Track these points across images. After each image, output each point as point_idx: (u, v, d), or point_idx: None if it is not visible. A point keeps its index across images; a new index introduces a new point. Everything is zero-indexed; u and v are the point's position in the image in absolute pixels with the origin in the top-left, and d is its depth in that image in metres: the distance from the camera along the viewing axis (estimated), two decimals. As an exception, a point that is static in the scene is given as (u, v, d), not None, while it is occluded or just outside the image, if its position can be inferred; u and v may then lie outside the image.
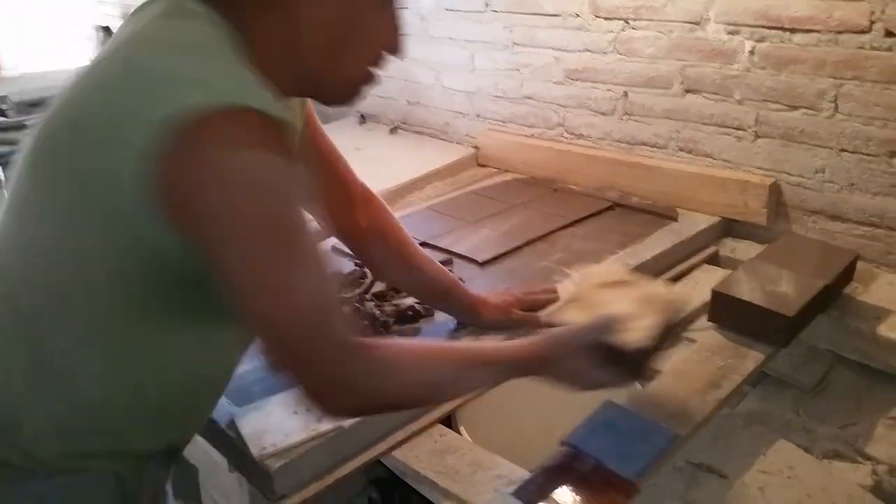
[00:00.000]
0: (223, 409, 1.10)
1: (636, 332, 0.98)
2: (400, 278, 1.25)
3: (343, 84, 0.82)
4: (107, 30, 3.41)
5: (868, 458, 1.11)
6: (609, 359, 0.93)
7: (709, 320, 1.27)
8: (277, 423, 1.05)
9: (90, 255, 0.71)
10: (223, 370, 0.91)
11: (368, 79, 0.83)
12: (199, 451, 1.21)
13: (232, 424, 1.06)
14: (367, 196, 1.18)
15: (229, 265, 0.68)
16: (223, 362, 0.90)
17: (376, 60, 0.81)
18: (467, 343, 0.92)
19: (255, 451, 1.00)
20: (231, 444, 1.07)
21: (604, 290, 1.12)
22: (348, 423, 1.07)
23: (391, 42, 0.81)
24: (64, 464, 0.79)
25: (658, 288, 1.11)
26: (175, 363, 0.81)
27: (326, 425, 1.04)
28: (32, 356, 0.76)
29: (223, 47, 0.70)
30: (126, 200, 0.66)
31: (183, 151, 0.64)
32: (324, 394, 0.74)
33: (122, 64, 0.71)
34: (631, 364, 0.96)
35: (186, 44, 0.70)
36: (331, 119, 2.85)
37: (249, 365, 1.23)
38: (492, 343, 1.14)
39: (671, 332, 1.03)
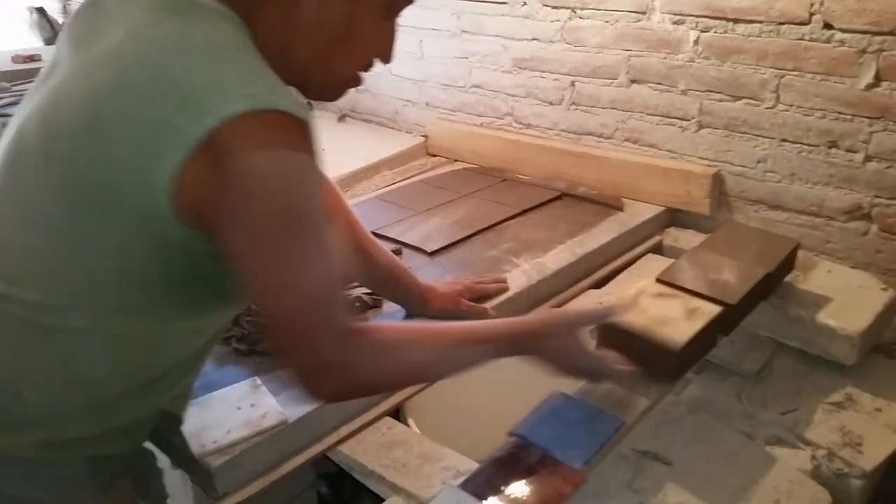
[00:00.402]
0: (163, 406, 1.06)
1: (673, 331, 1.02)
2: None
3: (331, 83, 0.84)
4: (41, 11, 3.28)
5: (808, 443, 1.14)
6: (611, 344, 0.93)
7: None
8: (219, 419, 1.02)
9: (107, 253, 0.73)
10: (208, 349, 0.92)
11: (355, 81, 0.85)
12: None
13: (172, 422, 1.03)
14: None
15: (254, 260, 0.71)
16: (208, 343, 0.91)
17: (367, 65, 0.84)
18: (462, 322, 0.92)
19: (196, 448, 0.97)
20: (172, 442, 1.03)
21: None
22: (293, 418, 1.05)
23: (385, 51, 0.84)
24: (49, 453, 0.80)
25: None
26: (169, 347, 0.83)
27: (270, 421, 1.02)
28: (33, 343, 0.76)
29: (247, 48, 0.72)
30: (157, 206, 0.68)
31: (219, 159, 0.66)
32: (315, 376, 0.75)
33: (146, 67, 0.69)
34: (658, 361, 0.97)
35: (212, 46, 0.70)
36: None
37: (190, 360, 1.20)
38: (486, 321, 1.15)
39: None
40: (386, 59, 0.85)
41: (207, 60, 0.68)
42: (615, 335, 1.12)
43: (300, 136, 0.70)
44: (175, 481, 1.11)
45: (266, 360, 1.20)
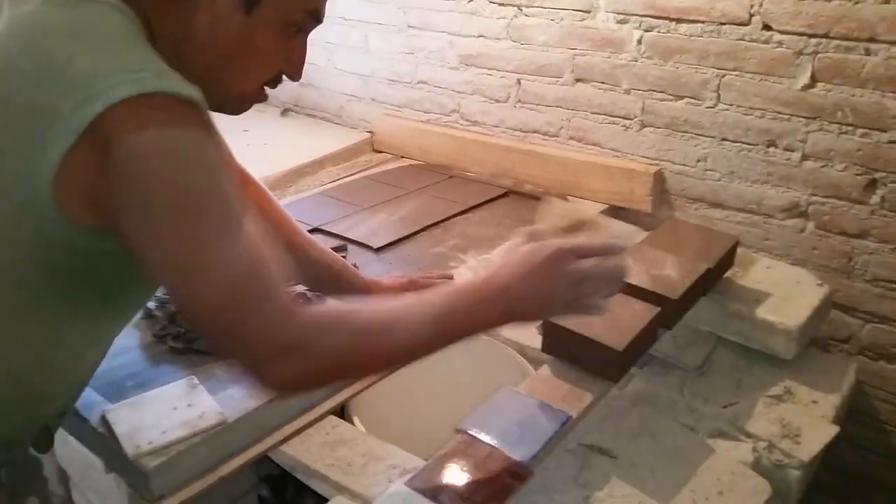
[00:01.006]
0: (94, 405, 1.02)
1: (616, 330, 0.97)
2: None
3: (229, 96, 0.80)
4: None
5: (749, 435, 1.15)
6: (555, 343, 0.85)
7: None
8: (154, 419, 0.98)
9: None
10: (102, 351, 0.89)
11: (257, 96, 0.82)
12: (73, 451, 1.13)
13: (104, 422, 0.98)
14: (243, 178, 1.13)
15: (161, 249, 0.67)
16: (104, 344, 0.88)
17: (272, 81, 0.81)
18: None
19: (129, 449, 0.93)
20: (105, 444, 0.99)
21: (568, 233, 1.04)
22: (233, 417, 1.02)
23: (293, 69, 0.81)
24: None
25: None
26: (64, 346, 0.79)
27: (208, 421, 0.99)
28: None
29: (137, 37, 0.69)
30: (40, 198, 0.65)
31: (105, 147, 0.63)
32: (265, 363, 0.69)
33: (31, 52, 0.66)
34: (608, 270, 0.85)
35: (99, 33, 0.67)
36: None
37: (122, 358, 1.15)
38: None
39: None
40: (294, 76, 0.82)
41: (94, 47, 0.66)
42: (558, 334, 1.13)
43: (191, 114, 0.67)
44: (109, 484, 1.07)
45: (203, 359, 1.16)
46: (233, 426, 1.01)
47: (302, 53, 0.81)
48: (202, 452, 0.98)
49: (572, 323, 1.12)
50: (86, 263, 0.71)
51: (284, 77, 0.82)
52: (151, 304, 1.25)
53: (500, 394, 1.10)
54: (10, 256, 0.70)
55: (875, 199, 1.44)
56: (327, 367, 0.73)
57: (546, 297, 0.82)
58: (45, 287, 0.72)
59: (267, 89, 0.82)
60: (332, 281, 1.19)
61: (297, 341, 0.69)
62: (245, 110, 0.82)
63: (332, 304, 0.78)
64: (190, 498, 0.97)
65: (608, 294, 0.87)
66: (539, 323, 1.08)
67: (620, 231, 1.06)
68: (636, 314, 1.15)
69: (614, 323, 1.11)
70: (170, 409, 0.99)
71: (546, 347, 1.17)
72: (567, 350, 1.14)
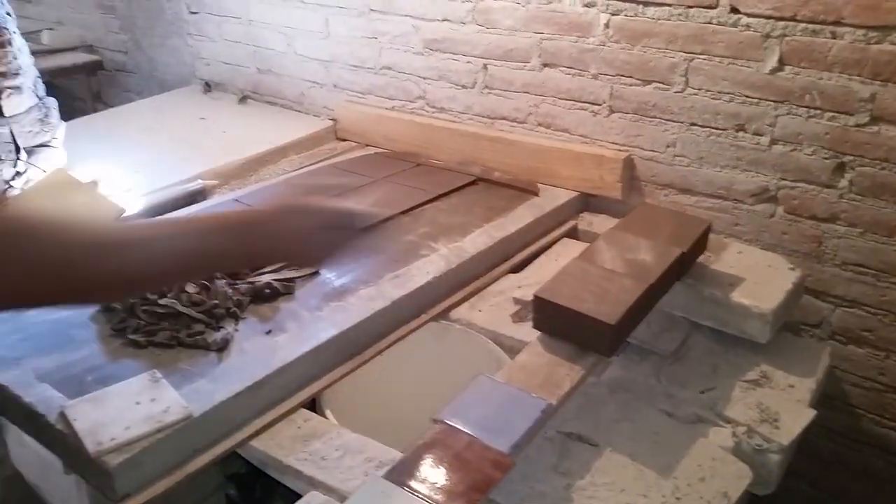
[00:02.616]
0: (52, 401, 0.96)
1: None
2: None
3: None
4: None
5: (728, 420, 1.14)
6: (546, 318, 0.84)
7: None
8: (116, 414, 0.93)
9: None
10: None
11: None
12: (30, 452, 1.06)
13: (62, 418, 0.93)
14: None
15: None
16: None
17: None
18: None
19: (91, 446, 0.88)
20: (64, 442, 0.94)
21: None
22: (199, 412, 0.97)
23: None
24: None
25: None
26: None
27: (174, 416, 0.94)
28: None
29: None
30: None
31: None
32: None
33: None
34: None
35: None
36: (171, 86, 2.65)
37: (80, 352, 1.10)
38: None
39: None
40: None
41: None
42: (549, 310, 1.12)
43: None
44: (69, 485, 1.01)
45: (165, 353, 1.11)
46: (199, 421, 0.96)
47: None
48: (168, 449, 0.93)
49: (563, 298, 1.11)
50: None
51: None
52: (109, 296, 1.19)
53: (478, 382, 1.07)
54: None
55: (843, 182, 1.44)
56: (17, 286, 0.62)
57: (288, 235, 0.79)
58: None
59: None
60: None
61: None
62: None
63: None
64: (155, 497, 0.92)
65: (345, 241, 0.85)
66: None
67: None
68: (626, 289, 1.14)
69: (605, 298, 1.10)
70: (132, 404, 0.94)
71: (536, 323, 1.15)
72: (558, 326, 1.13)
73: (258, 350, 1.11)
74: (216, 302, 1.18)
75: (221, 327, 1.15)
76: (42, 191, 0.91)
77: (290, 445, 1.02)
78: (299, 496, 0.97)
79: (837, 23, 1.37)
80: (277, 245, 0.79)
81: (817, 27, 1.39)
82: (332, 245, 0.84)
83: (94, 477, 0.91)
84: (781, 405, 1.17)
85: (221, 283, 1.23)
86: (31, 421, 0.98)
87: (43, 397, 0.97)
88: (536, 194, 1.74)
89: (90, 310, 1.20)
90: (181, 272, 0.74)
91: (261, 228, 0.78)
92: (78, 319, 1.18)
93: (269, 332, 1.17)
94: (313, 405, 1.13)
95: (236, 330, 1.16)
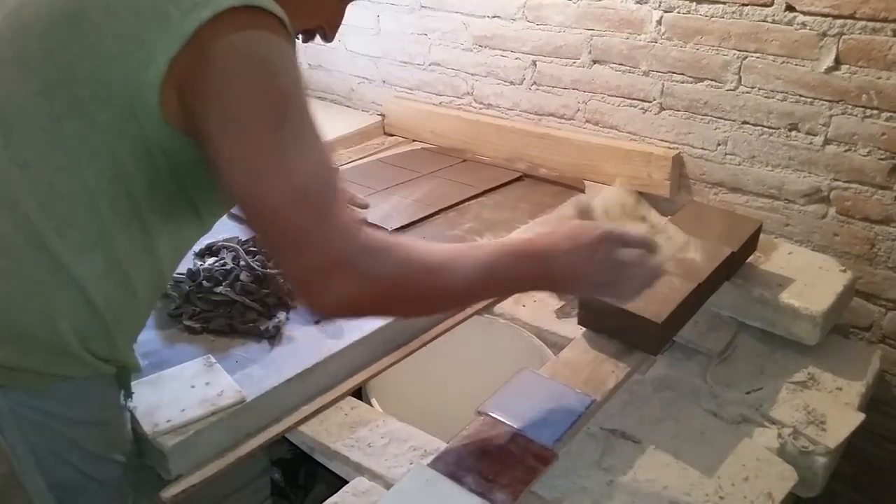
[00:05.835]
0: (111, 384, 1.00)
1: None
2: None
3: None
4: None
5: (773, 421, 1.13)
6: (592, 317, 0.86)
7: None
8: (173, 397, 0.96)
9: (95, 160, 0.72)
10: (179, 260, 0.91)
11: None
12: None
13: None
14: None
15: (239, 146, 0.67)
16: (184, 251, 0.90)
17: (307, 35, 0.86)
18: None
19: (147, 427, 0.91)
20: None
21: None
22: (251, 397, 1.00)
23: (329, 29, 0.86)
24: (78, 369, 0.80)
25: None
26: (155, 261, 0.82)
27: (227, 399, 0.97)
28: (50, 264, 0.75)
29: None
30: (144, 103, 0.68)
31: (203, 47, 0.66)
32: (321, 275, 0.69)
33: None
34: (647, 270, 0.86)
35: None
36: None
37: (140, 337, 1.13)
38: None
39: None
40: (328, 36, 0.87)
41: None
42: (596, 307, 1.13)
43: (282, 30, 0.70)
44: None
45: (219, 339, 1.14)
46: (251, 405, 0.99)
47: (340, 19, 0.86)
48: (220, 432, 0.96)
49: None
50: (180, 169, 0.74)
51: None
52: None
53: (522, 376, 1.08)
54: (123, 166, 0.72)
55: (899, 184, 1.42)
56: (378, 292, 0.72)
57: (584, 275, 0.83)
58: (150, 193, 0.75)
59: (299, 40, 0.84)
60: None
61: (355, 258, 0.69)
62: None
63: (392, 235, 0.79)
64: (206, 479, 0.95)
65: (640, 289, 0.88)
66: (565, 301, 1.07)
67: (677, 239, 1.05)
68: (674, 288, 1.14)
69: (652, 296, 1.10)
70: (188, 388, 0.98)
71: (581, 320, 1.16)
72: (604, 323, 1.13)
73: (308, 339, 1.14)
74: (269, 291, 1.21)
75: (274, 316, 1.18)
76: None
77: (337, 432, 1.04)
78: (341, 483, 1.00)
79: (899, 21, 1.34)
80: (566, 283, 0.84)
81: (878, 25, 1.37)
82: (640, 281, 0.87)
83: (150, 457, 0.95)
84: (829, 408, 1.15)
85: (274, 274, 1.26)
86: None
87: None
88: (582, 191, 1.74)
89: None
90: (491, 295, 0.84)
91: (562, 258, 0.81)
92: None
93: (318, 322, 1.19)
94: (359, 394, 1.16)
95: (288, 319, 1.19)
